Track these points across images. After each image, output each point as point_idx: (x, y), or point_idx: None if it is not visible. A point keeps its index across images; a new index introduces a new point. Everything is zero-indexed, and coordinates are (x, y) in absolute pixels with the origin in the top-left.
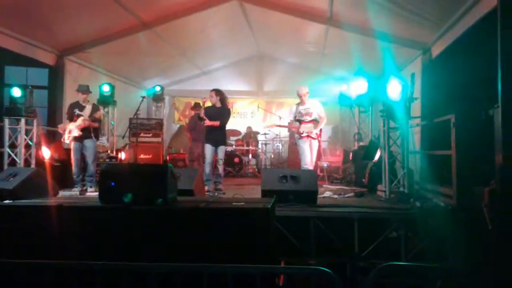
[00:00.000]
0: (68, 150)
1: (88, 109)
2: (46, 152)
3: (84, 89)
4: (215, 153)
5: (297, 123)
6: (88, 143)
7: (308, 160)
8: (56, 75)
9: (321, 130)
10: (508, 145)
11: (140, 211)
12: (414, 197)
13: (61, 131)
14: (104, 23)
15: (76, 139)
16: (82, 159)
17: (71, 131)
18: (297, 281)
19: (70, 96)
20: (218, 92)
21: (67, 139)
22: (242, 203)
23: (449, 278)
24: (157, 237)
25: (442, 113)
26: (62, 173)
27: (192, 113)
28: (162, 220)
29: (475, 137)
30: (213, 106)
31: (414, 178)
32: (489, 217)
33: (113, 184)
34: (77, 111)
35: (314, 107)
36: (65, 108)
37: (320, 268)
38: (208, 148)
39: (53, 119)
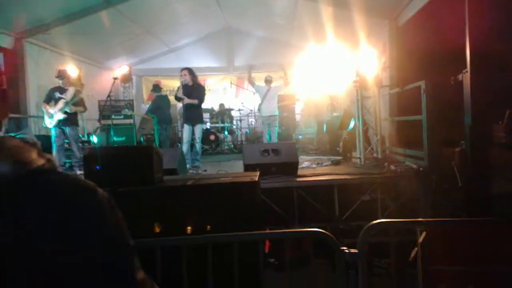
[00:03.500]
0: (39, 137)
1: (70, 92)
2: None
3: (63, 75)
4: (193, 131)
5: None
6: (70, 130)
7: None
8: (15, 59)
9: None
10: (477, 107)
11: (127, 193)
12: (388, 161)
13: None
14: (64, 2)
15: (58, 124)
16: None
17: (53, 115)
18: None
19: (32, 81)
20: (190, 70)
21: (49, 123)
22: (229, 178)
23: (432, 229)
24: (147, 217)
25: (410, 80)
26: None
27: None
28: (151, 200)
29: (443, 102)
30: (186, 85)
31: (386, 143)
32: (459, 175)
33: (98, 168)
34: (57, 94)
35: None
36: (29, 94)
37: (317, 229)
38: (186, 127)
39: (15, 106)
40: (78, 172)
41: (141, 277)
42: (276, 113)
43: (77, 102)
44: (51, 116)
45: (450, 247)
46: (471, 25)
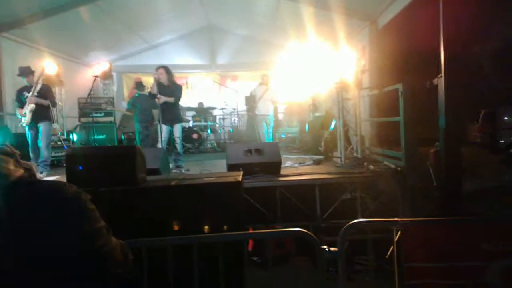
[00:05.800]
0: (18, 135)
1: (37, 88)
2: None
3: (25, 72)
4: (172, 132)
5: None
6: (42, 126)
7: None
8: None
9: None
10: (450, 110)
11: (110, 193)
12: (367, 161)
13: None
14: None
15: (30, 122)
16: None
17: (26, 114)
18: (265, 245)
19: (8, 77)
20: (167, 69)
21: (25, 122)
22: (213, 178)
23: (407, 228)
24: (129, 218)
25: (389, 83)
26: None
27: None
28: (133, 200)
29: (420, 104)
30: (162, 83)
31: (366, 144)
32: (434, 175)
33: (80, 167)
34: (26, 93)
35: None
36: (5, 90)
37: (298, 229)
38: (164, 128)
39: None
40: (40, 174)
41: (113, 244)
42: (271, 113)
43: (40, 96)
44: (24, 115)
45: (424, 245)
46: (445, 32)
